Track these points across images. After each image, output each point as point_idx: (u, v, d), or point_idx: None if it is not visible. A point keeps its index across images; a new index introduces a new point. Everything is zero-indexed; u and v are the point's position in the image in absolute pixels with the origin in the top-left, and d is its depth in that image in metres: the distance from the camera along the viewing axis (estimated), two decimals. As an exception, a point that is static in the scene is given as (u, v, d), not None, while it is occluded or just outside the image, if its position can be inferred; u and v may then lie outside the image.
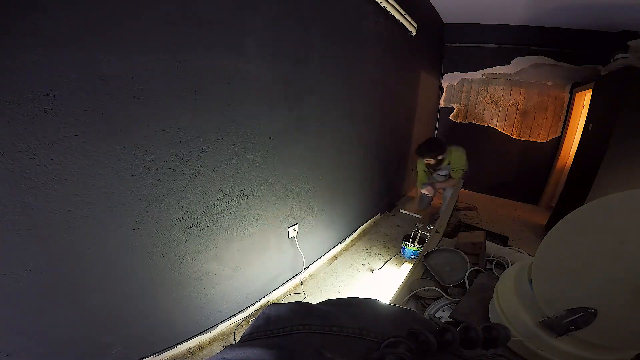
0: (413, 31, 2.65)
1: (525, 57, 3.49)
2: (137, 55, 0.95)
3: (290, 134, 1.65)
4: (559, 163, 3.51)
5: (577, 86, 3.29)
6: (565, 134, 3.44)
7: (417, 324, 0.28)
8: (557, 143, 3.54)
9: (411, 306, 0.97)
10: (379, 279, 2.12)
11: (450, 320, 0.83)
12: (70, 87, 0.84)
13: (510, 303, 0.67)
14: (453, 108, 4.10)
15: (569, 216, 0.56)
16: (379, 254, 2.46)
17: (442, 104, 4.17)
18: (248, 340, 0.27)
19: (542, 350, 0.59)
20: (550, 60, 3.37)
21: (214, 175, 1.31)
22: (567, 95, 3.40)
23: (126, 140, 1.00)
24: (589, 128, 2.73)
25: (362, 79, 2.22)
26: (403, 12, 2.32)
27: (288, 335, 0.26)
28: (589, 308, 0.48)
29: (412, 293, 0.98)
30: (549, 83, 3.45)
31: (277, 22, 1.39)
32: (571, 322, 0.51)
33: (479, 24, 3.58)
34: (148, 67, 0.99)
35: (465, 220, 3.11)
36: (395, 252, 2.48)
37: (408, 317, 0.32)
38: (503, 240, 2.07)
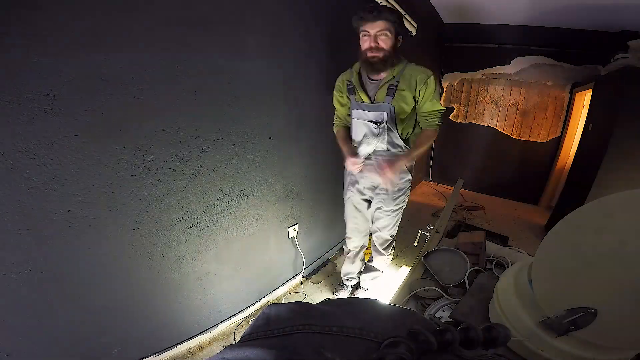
0: (413, 31, 2.65)
1: (525, 57, 3.48)
2: (137, 55, 0.95)
3: (290, 133, 1.65)
4: (559, 163, 3.51)
5: (577, 86, 3.29)
6: (565, 134, 3.43)
7: (417, 324, 0.28)
8: (557, 143, 3.54)
9: (411, 306, 0.97)
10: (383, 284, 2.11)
11: (450, 320, 0.83)
12: (70, 87, 0.84)
13: (510, 303, 0.67)
14: (453, 108, 4.10)
15: (569, 216, 0.56)
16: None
17: (442, 103, 4.17)
18: (248, 340, 0.27)
19: (542, 350, 0.59)
20: (550, 60, 3.37)
21: (214, 175, 1.31)
22: (567, 95, 3.40)
23: (126, 140, 1.00)
24: (589, 128, 2.73)
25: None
26: (403, 12, 2.32)
27: (288, 336, 0.26)
28: (589, 308, 0.48)
29: (412, 293, 0.98)
30: (549, 83, 3.45)
31: (277, 22, 1.39)
32: (571, 322, 0.51)
33: (479, 24, 3.58)
34: (148, 67, 0.99)
35: (470, 220, 3.11)
36: (396, 252, 2.48)
37: (408, 317, 0.32)
38: (503, 240, 2.07)
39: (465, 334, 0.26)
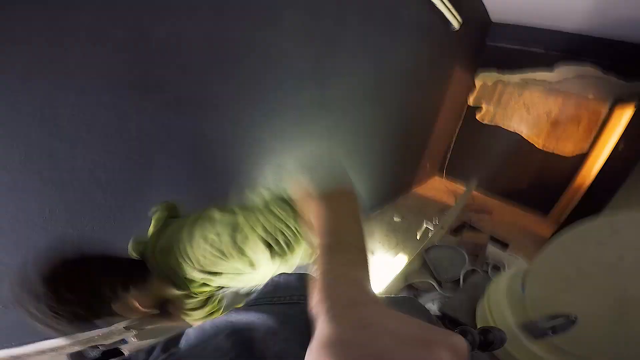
0: (456, 25, 2.51)
1: (571, 66, 3.25)
2: (137, 55, 0.90)
3: (290, 133, 1.59)
4: (579, 179, 3.39)
5: (618, 102, 3.09)
6: (593, 151, 3.29)
7: (415, 310, 0.31)
8: (582, 159, 3.40)
9: (403, 295, 1.02)
10: (376, 269, 2.19)
11: (439, 313, 0.87)
12: (70, 87, 0.81)
13: (498, 302, 0.71)
14: (481, 108, 3.95)
15: (578, 226, 0.58)
16: (379, 242, 2.53)
17: (471, 101, 4.01)
18: (254, 305, 0.28)
19: (517, 353, 0.62)
20: (598, 73, 3.13)
21: (214, 175, 1.30)
22: (605, 111, 3.20)
23: (126, 140, 0.97)
24: (619, 148, 2.61)
25: (392, 67, 2.15)
26: (449, 5, 2.20)
27: (294, 304, 0.27)
28: (569, 315, 0.52)
29: (408, 283, 1.03)
30: (590, 96, 3.24)
31: (277, 21, 1.26)
32: (551, 327, 0.55)
33: (527, 25, 3.32)
34: (148, 67, 0.94)
35: (475, 223, 3.09)
36: (397, 241, 2.54)
37: (408, 304, 0.36)
38: (503, 247, 2.08)
39: (462, 336, 0.26)
